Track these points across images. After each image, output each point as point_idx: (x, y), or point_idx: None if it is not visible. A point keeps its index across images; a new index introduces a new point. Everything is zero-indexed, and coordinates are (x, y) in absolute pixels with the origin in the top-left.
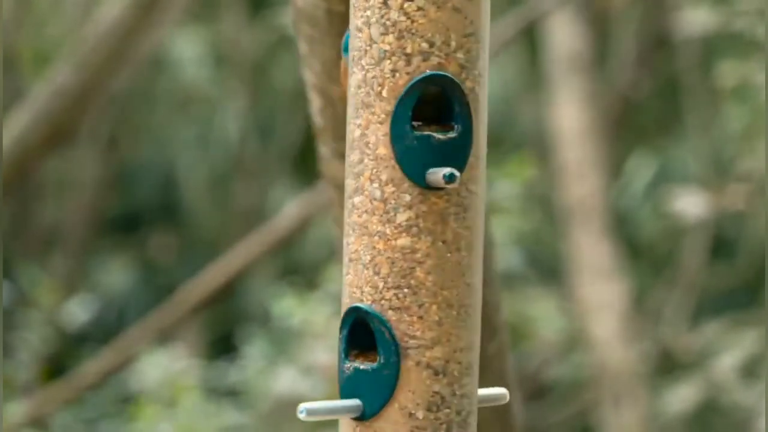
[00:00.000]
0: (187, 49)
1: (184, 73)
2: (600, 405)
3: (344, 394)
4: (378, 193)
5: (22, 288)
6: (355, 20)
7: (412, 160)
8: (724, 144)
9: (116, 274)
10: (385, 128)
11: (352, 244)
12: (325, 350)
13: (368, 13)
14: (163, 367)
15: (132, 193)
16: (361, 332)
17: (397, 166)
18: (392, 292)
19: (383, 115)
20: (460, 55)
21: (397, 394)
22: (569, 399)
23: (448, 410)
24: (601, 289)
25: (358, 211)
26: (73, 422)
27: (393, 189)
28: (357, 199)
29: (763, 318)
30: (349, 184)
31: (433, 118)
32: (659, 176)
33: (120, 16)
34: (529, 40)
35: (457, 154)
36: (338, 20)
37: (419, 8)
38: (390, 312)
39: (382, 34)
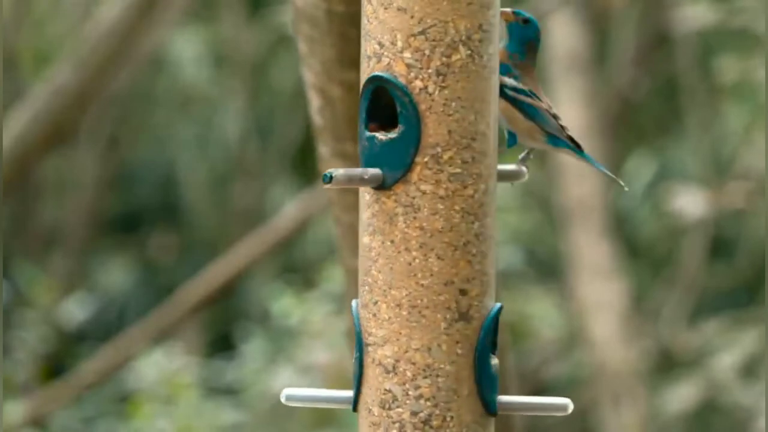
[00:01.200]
0: (186, 49)
1: (183, 73)
2: (599, 404)
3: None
4: (361, 192)
5: (20, 287)
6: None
7: (365, 160)
8: (724, 143)
9: (116, 274)
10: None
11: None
12: (323, 349)
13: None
14: (161, 365)
15: (132, 193)
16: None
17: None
18: (361, 288)
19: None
20: (407, 54)
21: (363, 389)
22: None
23: (400, 410)
24: (600, 289)
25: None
26: (71, 421)
27: (362, 189)
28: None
29: (763, 317)
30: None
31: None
32: (659, 175)
33: (120, 16)
34: None
35: (398, 154)
36: (338, 20)
37: (374, 11)
38: (360, 309)
39: (362, 37)
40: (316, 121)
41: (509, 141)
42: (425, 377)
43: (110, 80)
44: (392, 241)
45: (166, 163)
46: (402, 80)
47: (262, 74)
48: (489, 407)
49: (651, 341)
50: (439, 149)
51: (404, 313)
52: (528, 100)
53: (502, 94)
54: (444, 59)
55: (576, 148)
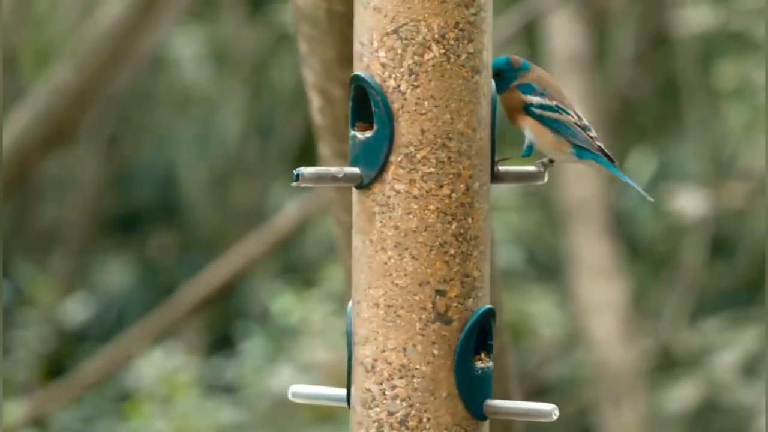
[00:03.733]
0: (187, 48)
1: (183, 73)
2: (600, 403)
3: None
4: (349, 192)
5: (20, 287)
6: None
7: (352, 159)
8: (724, 142)
9: (116, 274)
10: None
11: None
12: (323, 348)
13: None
14: (161, 365)
15: (132, 192)
16: None
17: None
18: (351, 289)
19: None
20: (381, 53)
21: (352, 389)
22: (569, 398)
23: (378, 409)
24: (600, 288)
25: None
26: (71, 421)
27: (351, 189)
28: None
29: (763, 317)
30: None
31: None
32: (659, 175)
33: (120, 15)
34: (529, 38)
35: (372, 153)
36: (338, 20)
37: (357, 11)
38: (352, 309)
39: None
40: (316, 121)
41: (525, 151)
42: (401, 377)
43: (110, 80)
44: (371, 240)
45: (166, 163)
46: (377, 79)
47: (263, 74)
48: (475, 410)
49: (651, 341)
50: (412, 148)
51: (381, 312)
52: (554, 115)
53: (528, 112)
54: (416, 58)
55: (606, 160)
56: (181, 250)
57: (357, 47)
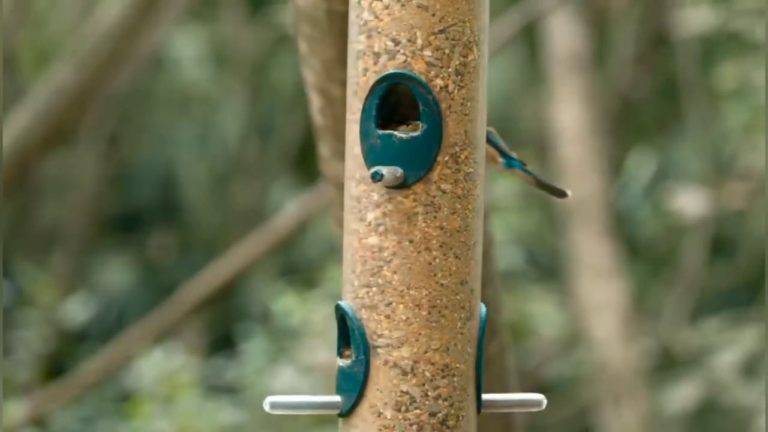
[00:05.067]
0: (187, 48)
1: (183, 73)
2: (600, 403)
3: (337, 390)
4: (354, 192)
5: (20, 287)
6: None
7: (376, 159)
8: (724, 142)
9: (116, 274)
10: (357, 127)
11: (342, 241)
12: (324, 349)
13: (353, 15)
14: (161, 365)
15: (132, 192)
16: (347, 329)
17: (365, 166)
18: (364, 290)
19: (357, 114)
20: (427, 53)
21: (368, 393)
22: (569, 397)
23: (418, 411)
24: (600, 288)
25: (345, 209)
26: (71, 421)
27: (364, 188)
28: (346, 198)
29: (763, 316)
30: (346, 184)
31: (405, 116)
32: (659, 175)
33: (120, 15)
34: (529, 39)
35: (420, 153)
36: (338, 20)
37: (385, 7)
38: (362, 310)
39: (358, 33)
40: (316, 121)
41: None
42: (443, 377)
43: (110, 80)
44: (411, 241)
45: (166, 163)
46: (423, 78)
47: (263, 74)
48: (479, 405)
49: (651, 341)
50: (457, 149)
51: (424, 313)
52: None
53: None
54: (462, 59)
55: (525, 167)
56: (181, 250)
57: (386, 44)
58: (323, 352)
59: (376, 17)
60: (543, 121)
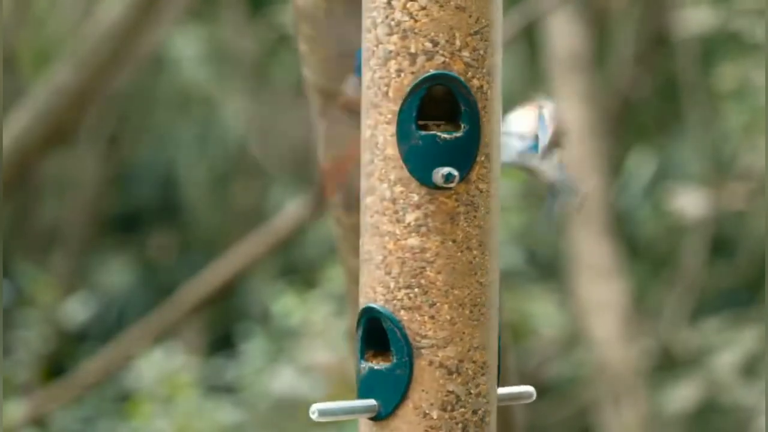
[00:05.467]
0: (186, 48)
1: (183, 73)
2: (600, 403)
3: (361, 394)
4: (388, 194)
5: (20, 287)
6: (365, 21)
7: (418, 160)
8: (724, 142)
9: (116, 274)
10: (392, 128)
11: (365, 244)
12: (324, 349)
13: (374, 14)
14: (161, 365)
15: (132, 193)
16: (377, 332)
17: (404, 167)
18: (403, 291)
19: (390, 115)
20: (465, 53)
21: (411, 394)
22: (569, 397)
23: (463, 409)
24: (600, 288)
25: (370, 212)
26: (71, 421)
27: (402, 189)
28: (369, 200)
29: (763, 316)
30: (362, 184)
31: (442, 117)
32: (659, 175)
33: (120, 15)
34: (529, 39)
35: (463, 153)
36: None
37: (422, 8)
38: (402, 312)
39: (387, 34)
40: (316, 121)
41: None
42: (483, 374)
43: (110, 80)
44: (454, 241)
45: (166, 163)
46: (462, 78)
47: (263, 74)
48: None
49: (651, 341)
50: (490, 148)
51: (467, 312)
52: None
53: None
54: (491, 59)
55: None
56: (181, 250)
57: (425, 45)
58: (323, 352)
59: (412, 18)
60: None
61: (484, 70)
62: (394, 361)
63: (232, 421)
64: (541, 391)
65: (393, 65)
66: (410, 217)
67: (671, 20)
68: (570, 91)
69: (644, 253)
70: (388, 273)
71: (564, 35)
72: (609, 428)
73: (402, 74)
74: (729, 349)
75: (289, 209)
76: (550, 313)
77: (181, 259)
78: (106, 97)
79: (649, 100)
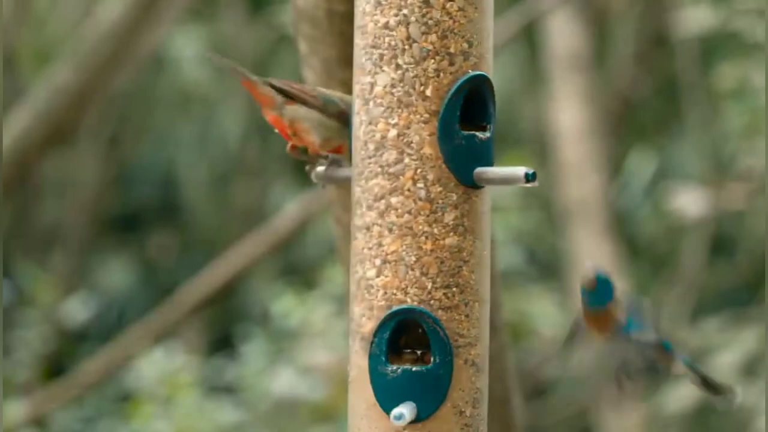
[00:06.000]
0: (186, 48)
1: (183, 73)
2: (599, 404)
3: (392, 399)
4: (423, 193)
5: (21, 287)
6: (384, 18)
7: (461, 160)
8: (724, 142)
9: (116, 274)
10: (431, 128)
11: (388, 245)
12: (324, 349)
13: (405, 11)
14: (162, 365)
15: (132, 193)
16: (403, 335)
17: (444, 166)
18: (442, 291)
19: (427, 115)
20: (488, 55)
21: (451, 393)
22: (569, 398)
23: (486, 405)
24: None
25: (398, 212)
26: (71, 421)
27: (440, 189)
28: (395, 200)
29: (763, 316)
30: (381, 184)
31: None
32: (659, 175)
33: (120, 15)
34: (529, 38)
35: (490, 152)
36: (339, 20)
37: (460, 9)
38: (440, 312)
39: (424, 33)
40: None
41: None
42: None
43: (111, 80)
44: (482, 240)
45: (166, 163)
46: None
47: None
48: None
49: None
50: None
51: (485, 309)
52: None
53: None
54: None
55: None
56: (181, 250)
57: (462, 46)
58: (323, 353)
59: (451, 18)
60: (543, 121)
61: (491, 71)
62: (436, 361)
63: (232, 422)
64: (542, 391)
65: (432, 64)
66: (449, 217)
67: (671, 20)
68: (570, 91)
69: (644, 253)
70: (425, 273)
71: (564, 35)
72: (609, 428)
73: (441, 74)
74: (729, 349)
75: (289, 209)
76: (550, 313)
77: (181, 259)
78: (106, 97)
79: (649, 100)
